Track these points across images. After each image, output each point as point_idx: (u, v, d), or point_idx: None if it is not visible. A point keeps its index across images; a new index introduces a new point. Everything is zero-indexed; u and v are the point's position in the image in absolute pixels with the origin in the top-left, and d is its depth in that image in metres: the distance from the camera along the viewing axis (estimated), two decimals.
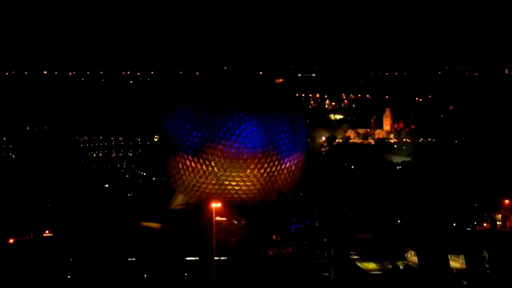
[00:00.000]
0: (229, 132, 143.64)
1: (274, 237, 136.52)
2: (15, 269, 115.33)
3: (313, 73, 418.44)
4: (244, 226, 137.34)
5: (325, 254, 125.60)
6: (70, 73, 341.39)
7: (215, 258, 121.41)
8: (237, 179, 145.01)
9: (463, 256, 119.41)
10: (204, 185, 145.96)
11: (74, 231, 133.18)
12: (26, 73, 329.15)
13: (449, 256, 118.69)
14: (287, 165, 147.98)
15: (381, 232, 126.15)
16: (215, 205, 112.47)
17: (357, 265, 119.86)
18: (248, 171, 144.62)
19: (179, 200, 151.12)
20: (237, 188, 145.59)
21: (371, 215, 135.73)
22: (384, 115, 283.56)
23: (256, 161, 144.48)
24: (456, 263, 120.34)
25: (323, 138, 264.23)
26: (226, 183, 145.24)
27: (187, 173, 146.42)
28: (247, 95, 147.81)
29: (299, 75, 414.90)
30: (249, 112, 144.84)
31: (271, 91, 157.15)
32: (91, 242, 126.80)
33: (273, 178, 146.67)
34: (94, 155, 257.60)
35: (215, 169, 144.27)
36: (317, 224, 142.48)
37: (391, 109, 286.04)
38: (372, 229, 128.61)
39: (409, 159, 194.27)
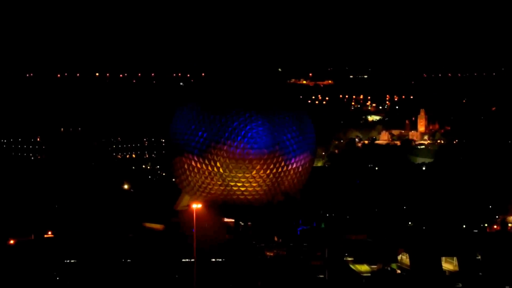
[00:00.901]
0: (235, 133, 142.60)
1: (276, 238, 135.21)
2: (15, 271, 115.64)
3: (366, 75, 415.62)
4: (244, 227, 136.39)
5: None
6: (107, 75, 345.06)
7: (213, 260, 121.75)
8: (243, 180, 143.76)
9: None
10: (209, 186, 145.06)
11: (76, 232, 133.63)
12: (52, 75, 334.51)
13: (443, 258, 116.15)
14: (294, 166, 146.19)
15: (378, 234, 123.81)
16: (196, 206, 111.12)
17: (350, 267, 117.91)
18: (254, 172, 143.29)
19: (185, 201, 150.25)
20: (242, 189, 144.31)
21: (374, 216, 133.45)
22: (419, 116, 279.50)
23: (262, 161, 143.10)
24: (449, 265, 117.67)
25: (357, 140, 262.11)
26: (232, 184, 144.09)
27: (192, 174, 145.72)
28: (253, 95, 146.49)
29: (351, 76, 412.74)
30: (255, 112, 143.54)
31: (278, 91, 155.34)
32: (92, 243, 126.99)
33: (279, 179, 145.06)
34: (128, 156, 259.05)
35: (221, 170, 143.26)
36: (323, 226, 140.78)
37: (426, 111, 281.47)
38: (372, 231, 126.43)
39: (430, 160, 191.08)
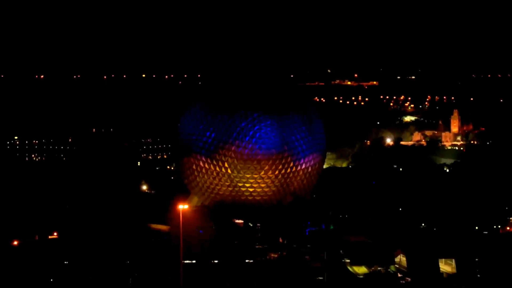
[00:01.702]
0: (243, 133, 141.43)
1: (280, 240, 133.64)
2: (18, 272, 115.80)
3: (414, 76, 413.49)
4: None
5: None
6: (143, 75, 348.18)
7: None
8: (251, 180, 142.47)
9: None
10: (218, 187, 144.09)
11: (81, 233, 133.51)
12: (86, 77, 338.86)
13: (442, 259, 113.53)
14: (303, 166, 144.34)
15: (378, 235, 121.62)
16: (182, 206, 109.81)
17: (348, 269, 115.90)
18: (262, 172, 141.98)
19: (194, 202, 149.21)
20: (251, 190, 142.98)
21: (376, 218, 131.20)
22: (452, 116, 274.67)
23: (270, 162, 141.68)
24: (448, 267, 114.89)
25: (389, 140, 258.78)
26: (240, 184, 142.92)
27: (200, 175, 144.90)
28: (261, 95, 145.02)
29: (398, 77, 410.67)
30: (263, 112, 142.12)
31: (287, 91, 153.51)
32: (95, 244, 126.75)
33: (288, 180, 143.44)
34: (159, 157, 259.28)
35: (229, 171, 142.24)
36: (331, 227, 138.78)
37: (460, 111, 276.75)
38: (372, 232, 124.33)
39: (452, 160, 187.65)
